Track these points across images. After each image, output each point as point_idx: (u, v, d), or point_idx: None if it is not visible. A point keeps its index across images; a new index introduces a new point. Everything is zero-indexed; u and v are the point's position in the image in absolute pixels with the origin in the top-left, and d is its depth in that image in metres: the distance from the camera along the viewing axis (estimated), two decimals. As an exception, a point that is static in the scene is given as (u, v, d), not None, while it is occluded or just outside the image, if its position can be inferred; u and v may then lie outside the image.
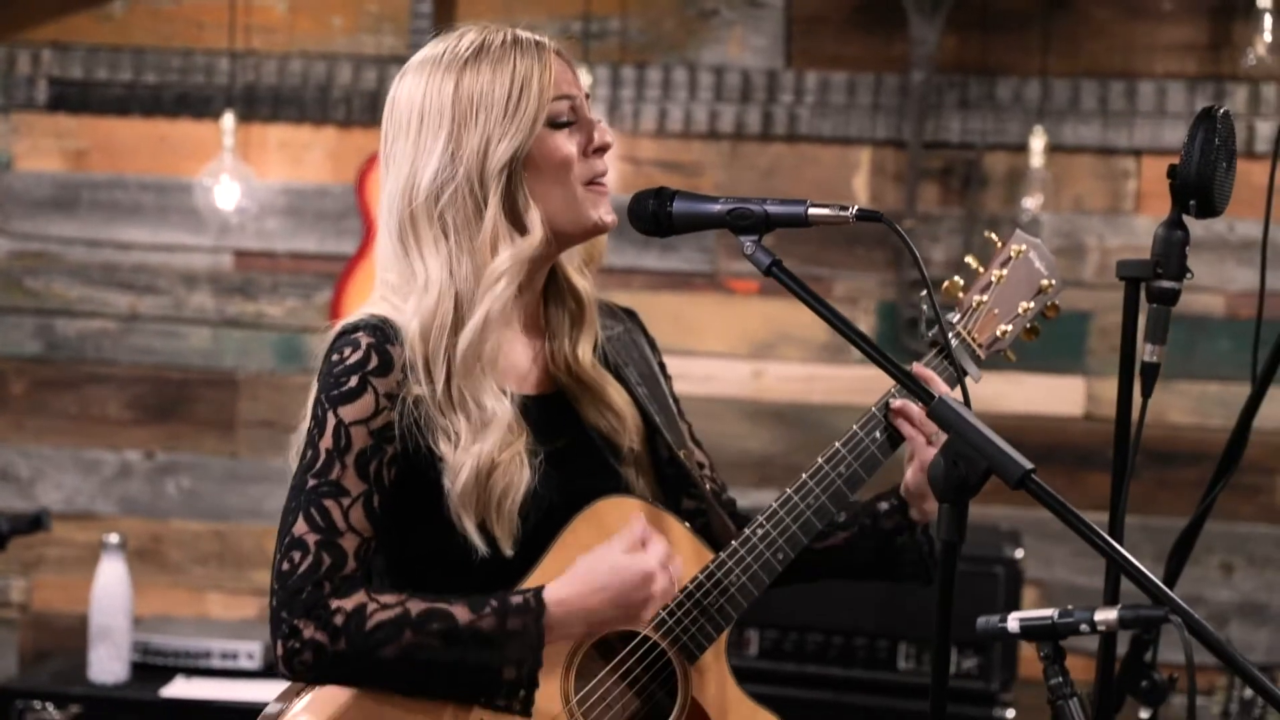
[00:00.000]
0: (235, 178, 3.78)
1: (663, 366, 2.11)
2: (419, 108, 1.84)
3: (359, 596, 1.76)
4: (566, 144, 1.86)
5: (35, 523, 3.00)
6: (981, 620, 1.53)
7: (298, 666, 1.76)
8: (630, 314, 2.11)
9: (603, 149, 1.89)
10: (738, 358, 3.82)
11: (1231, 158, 1.90)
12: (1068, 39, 3.67)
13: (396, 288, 1.86)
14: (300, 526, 1.76)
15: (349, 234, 3.88)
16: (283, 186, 3.92)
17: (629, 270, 3.80)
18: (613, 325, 2.05)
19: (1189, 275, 1.93)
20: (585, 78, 3.72)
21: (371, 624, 1.74)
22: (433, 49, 1.88)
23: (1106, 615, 1.43)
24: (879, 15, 3.71)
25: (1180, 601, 1.48)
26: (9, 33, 3.98)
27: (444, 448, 1.80)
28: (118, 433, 4.02)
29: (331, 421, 1.78)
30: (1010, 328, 2.02)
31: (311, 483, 1.77)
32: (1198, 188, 1.87)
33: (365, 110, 3.85)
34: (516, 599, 1.78)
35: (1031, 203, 3.63)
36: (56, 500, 4.02)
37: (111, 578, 3.41)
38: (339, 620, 1.74)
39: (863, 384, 3.56)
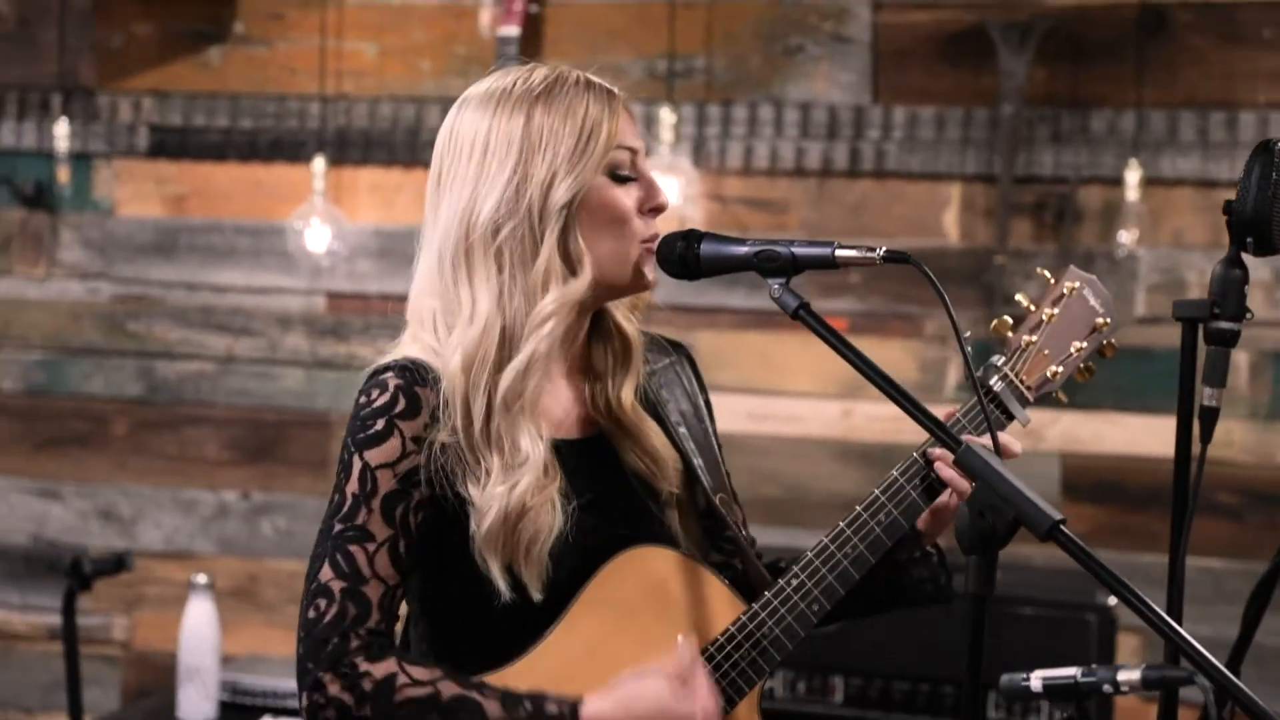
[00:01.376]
0: (326, 221, 3.82)
1: (709, 405, 2.06)
2: (484, 136, 1.81)
3: (390, 664, 1.73)
4: (624, 197, 1.84)
5: (118, 563, 3.04)
6: (1005, 678, 1.47)
7: None
8: (679, 347, 2.08)
9: (658, 209, 1.87)
10: (826, 397, 3.77)
11: (1292, 192, 1.82)
12: (1164, 68, 3.57)
13: (437, 319, 1.83)
14: (326, 573, 1.75)
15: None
16: (374, 229, 3.96)
17: (715, 309, 3.77)
18: (659, 359, 2.01)
19: (1249, 315, 1.85)
20: (669, 116, 3.71)
21: (400, 698, 1.72)
22: (502, 80, 1.86)
23: (1130, 675, 1.36)
24: (967, 48, 3.65)
25: (1209, 657, 1.41)
26: (111, 81, 4.08)
27: (472, 490, 1.78)
28: (215, 473, 4.08)
29: (357, 465, 1.77)
30: (1061, 369, 1.95)
31: (338, 527, 1.76)
32: (1254, 224, 1.80)
33: (453, 152, 3.86)
34: (552, 707, 1.74)
35: (1128, 237, 3.53)
36: (156, 539, 4.09)
37: (200, 618, 3.44)
38: (367, 685, 1.72)
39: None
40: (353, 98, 3.95)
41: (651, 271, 1.87)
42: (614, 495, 1.89)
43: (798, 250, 1.71)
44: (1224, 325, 1.84)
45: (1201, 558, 3.57)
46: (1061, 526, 1.50)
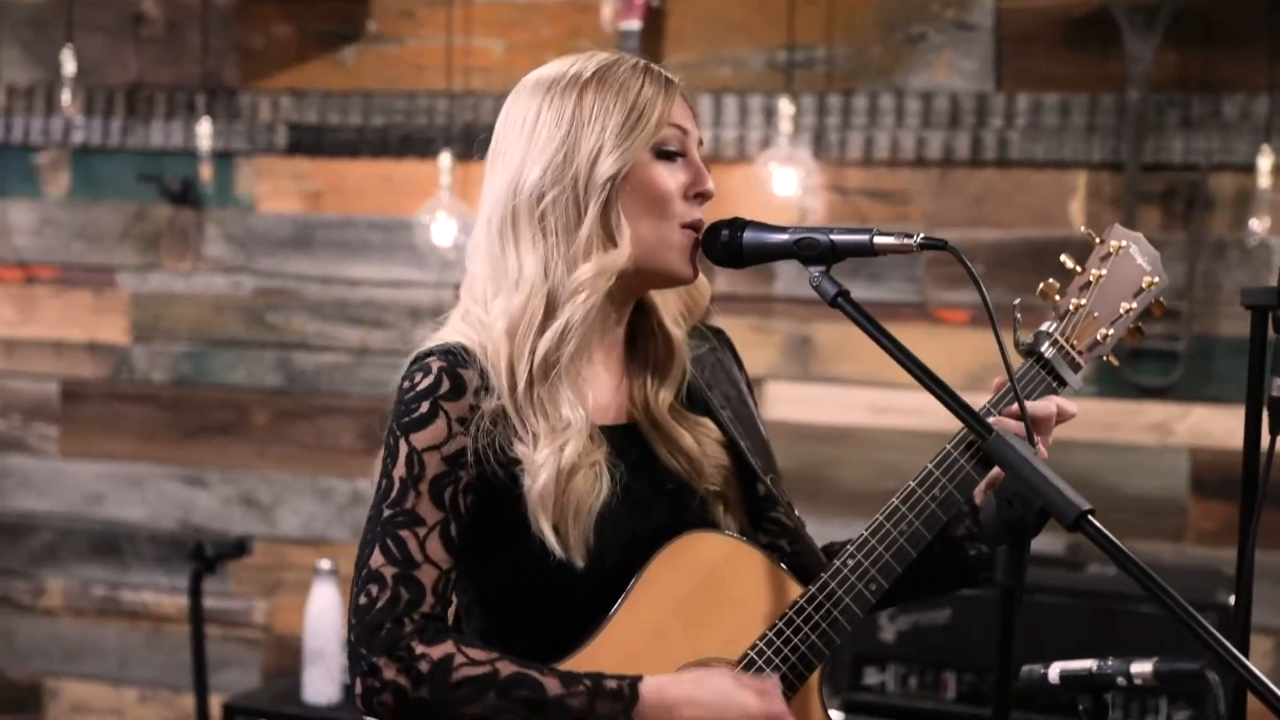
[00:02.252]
0: (451, 215, 3.90)
1: (750, 388, 2.05)
2: (536, 112, 1.85)
3: (446, 646, 1.74)
4: (669, 177, 1.85)
5: (239, 548, 3.15)
6: (1025, 669, 1.45)
7: (377, 707, 1.74)
8: (718, 333, 2.06)
9: (704, 195, 1.87)
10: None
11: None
12: (1299, 50, 3.44)
13: (487, 286, 1.87)
14: (377, 559, 1.75)
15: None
16: (500, 222, 4.01)
17: (834, 301, 3.74)
18: (699, 346, 2.00)
19: (1320, 302, 1.79)
20: (788, 107, 3.69)
21: (457, 678, 1.72)
22: (559, 66, 1.89)
23: (1142, 668, 1.33)
24: (1093, 33, 3.56)
25: (1236, 653, 1.37)
26: (252, 81, 4.21)
27: (522, 451, 1.79)
28: (349, 461, 4.18)
29: (404, 449, 1.78)
30: (1112, 331, 1.88)
31: (387, 513, 1.77)
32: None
33: (577, 146, 3.91)
34: (611, 684, 1.74)
35: (1260, 225, 3.42)
36: (294, 525, 4.22)
37: (324, 602, 3.55)
38: (424, 667, 1.72)
39: (1078, 416, 3.41)
40: (479, 93, 4.02)
41: (692, 263, 1.86)
42: (647, 482, 1.89)
43: (836, 237, 1.70)
44: (1293, 313, 1.78)
45: (1339, 557, 3.45)
46: (1089, 516, 1.46)
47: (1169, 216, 3.56)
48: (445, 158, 3.91)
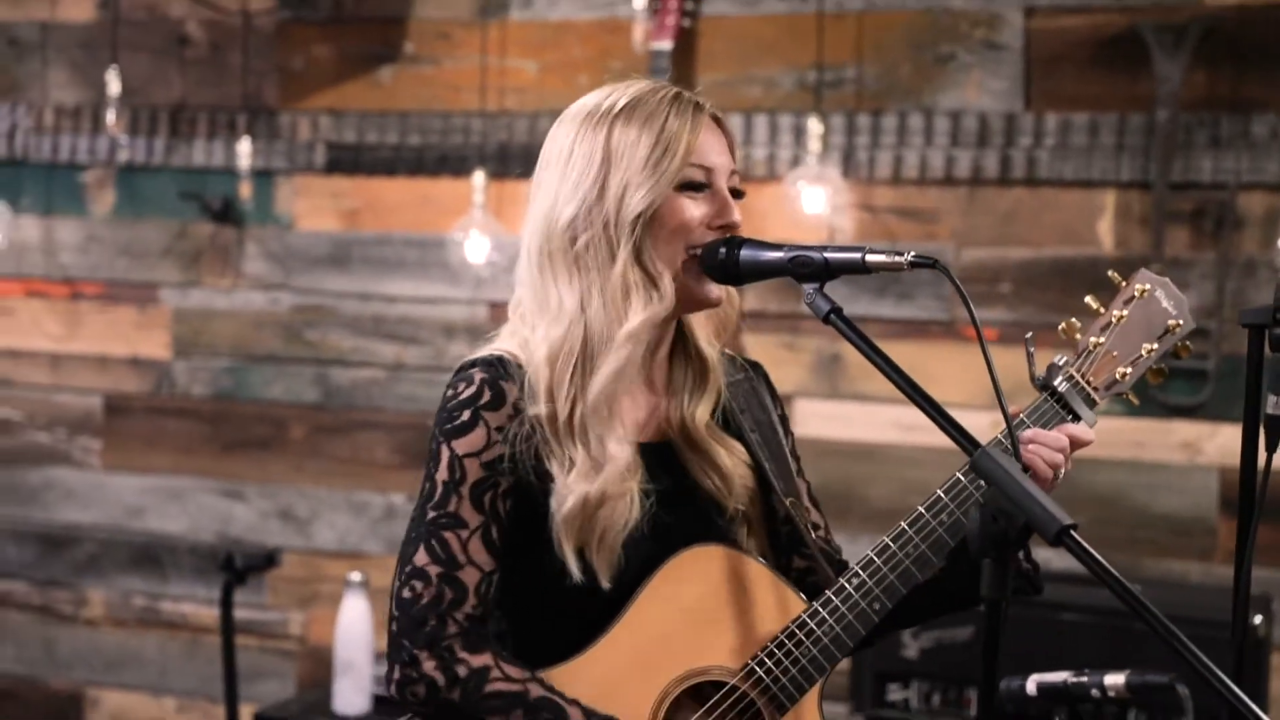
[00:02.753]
0: (485, 233, 3.95)
1: (783, 419, 2.09)
2: (571, 144, 1.92)
3: (486, 658, 1.81)
4: (690, 208, 1.89)
5: (268, 560, 3.20)
6: (1004, 682, 1.46)
7: (409, 696, 1.81)
8: (755, 366, 2.11)
9: (728, 226, 1.89)
10: (976, 407, 3.71)
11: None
12: (1329, 69, 3.44)
13: (530, 312, 1.92)
14: (421, 557, 1.82)
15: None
16: (533, 240, 4.06)
17: (862, 319, 3.76)
18: (735, 374, 2.05)
19: (1317, 321, 1.80)
20: (816, 126, 3.72)
21: (490, 689, 1.80)
22: (595, 97, 1.96)
23: (1115, 680, 1.35)
24: (1121, 52, 3.57)
25: (1214, 668, 1.38)
26: (291, 101, 4.28)
27: (556, 471, 1.84)
28: (384, 476, 4.24)
29: (446, 455, 1.84)
30: (1130, 370, 1.93)
31: (431, 514, 1.84)
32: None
33: (609, 165, 3.95)
34: None
35: (1289, 245, 3.41)
36: (330, 539, 4.27)
37: (354, 614, 3.59)
38: (461, 671, 1.80)
39: (1106, 435, 3.41)
40: (513, 113, 4.07)
41: (708, 288, 1.89)
42: (678, 500, 1.93)
43: (830, 255, 1.73)
44: (1288, 331, 1.79)
45: (1368, 578, 3.43)
46: (1071, 531, 1.48)
47: (1198, 236, 3.56)
48: (479, 176, 3.96)
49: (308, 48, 4.28)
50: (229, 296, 4.37)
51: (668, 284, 1.87)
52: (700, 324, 1.99)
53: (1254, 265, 3.51)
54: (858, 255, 1.72)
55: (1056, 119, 3.64)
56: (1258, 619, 3.13)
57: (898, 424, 3.77)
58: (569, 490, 1.83)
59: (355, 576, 3.61)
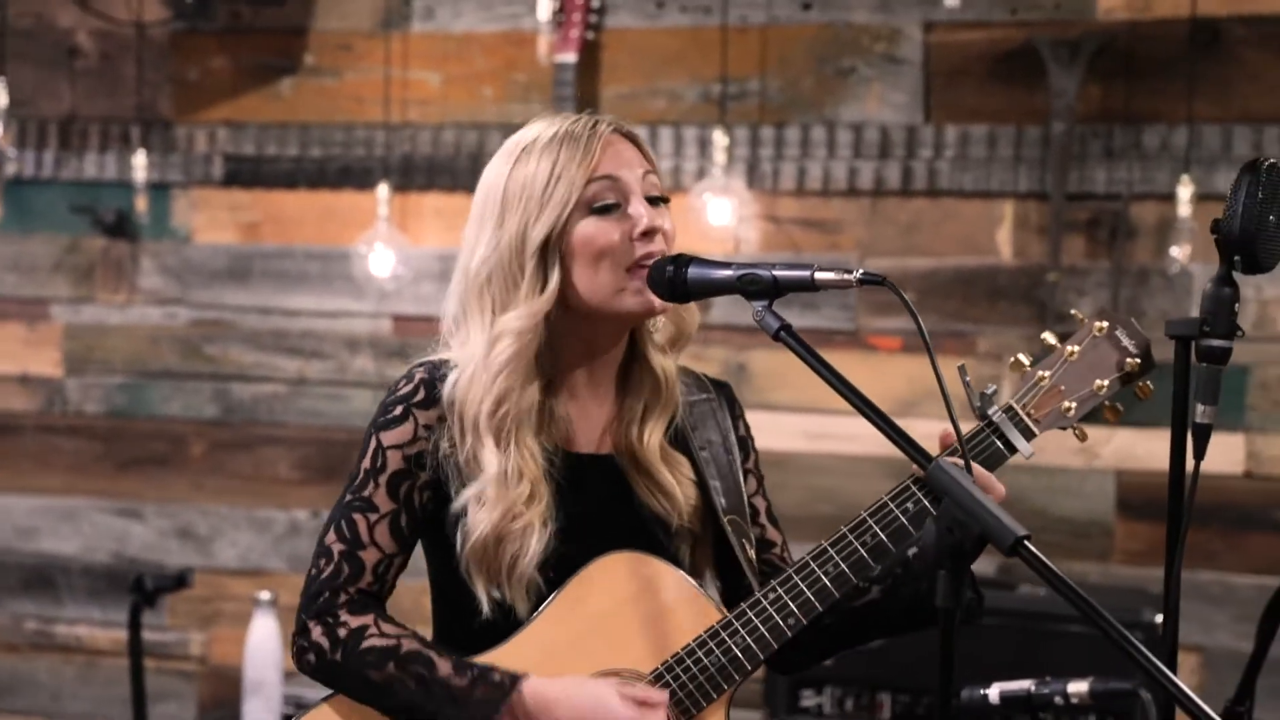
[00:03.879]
0: (390, 245, 3.92)
1: (743, 441, 2.10)
2: (484, 192, 1.98)
3: (366, 618, 1.90)
4: (605, 231, 1.91)
5: (179, 581, 3.15)
6: (965, 691, 1.50)
7: (303, 664, 1.93)
8: (721, 386, 2.12)
9: (650, 232, 1.91)
10: (881, 416, 3.78)
11: (1282, 210, 1.83)
12: (1217, 83, 3.55)
13: (454, 359, 1.97)
14: (330, 536, 1.93)
15: (499, 298, 3.98)
16: (438, 253, 4.05)
17: (769, 329, 3.80)
18: (697, 394, 2.07)
19: (1240, 333, 1.86)
20: (722, 139, 3.75)
21: (365, 645, 1.88)
22: (515, 136, 2.00)
23: (1078, 688, 1.39)
24: (1018, 67, 3.66)
25: (1170, 675, 1.43)
26: (188, 113, 4.22)
27: (469, 500, 1.90)
28: (287, 492, 4.19)
29: (373, 444, 1.93)
30: (1076, 404, 1.93)
31: (348, 498, 1.93)
32: (1242, 243, 1.81)
33: (513, 177, 3.95)
34: (497, 675, 1.86)
35: (1180, 253, 3.52)
36: (231, 557, 4.21)
37: (263, 633, 3.55)
38: (342, 633, 1.89)
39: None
40: (417, 125, 4.05)
41: (639, 301, 1.90)
42: (618, 516, 1.96)
43: (779, 273, 1.76)
44: (1215, 343, 1.85)
45: (1259, 575, 3.54)
46: (1025, 542, 1.52)
47: (1093, 245, 3.65)
48: (383, 189, 3.94)
49: (204, 59, 4.22)
50: (123, 312, 4.29)
51: (553, 285, 1.90)
52: (654, 337, 2.01)
53: (1147, 273, 3.61)
54: (806, 273, 1.74)
55: (956, 131, 3.71)
56: (1158, 618, 3.22)
57: (805, 433, 3.82)
58: (470, 529, 1.89)
59: (264, 595, 3.57)
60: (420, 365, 1.98)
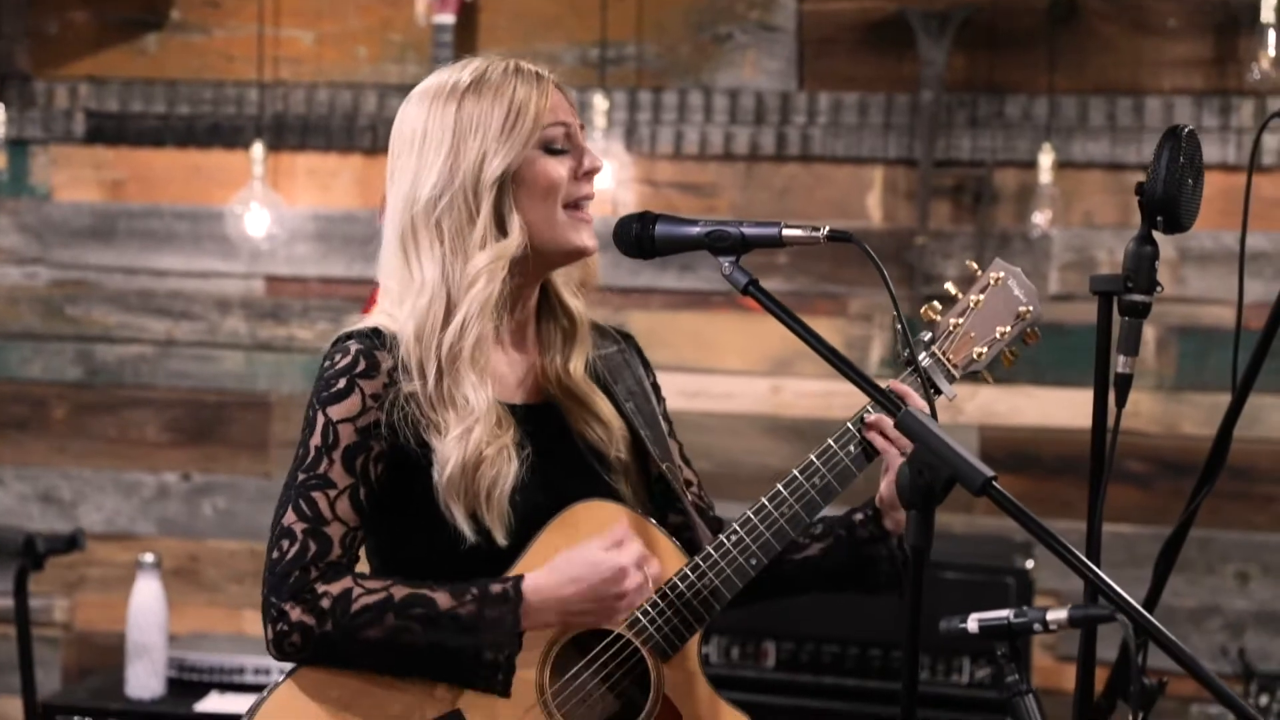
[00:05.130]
0: (265, 205, 3.89)
1: (656, 387, 2.19)
2: (423, 127, 1.98)
3: (345, 582, 1.88)
4: (557, 168, 1.98)
5: (71, 543, 3.10)
6: (943, 623, 1.60)
7: (287, 649, 1.87)
8: (626, 336, 2.20)
9: (592, 172, 2.01)
10: (756, 374, 3.90)
11: (1199, 175, 1.97)
12: (1075, 56, 3.73)
13: (396, 295, 1.98)
14: (289, 517, 1.89)
15: (376, 258, 3.97)
16: (311, 213, 4.03)
17: (648, 290, 3.89)
18: (607, 345, 2.14)
19: (1159, 289, 1.99)
20: (601, 102, 3.81)
21: (357, 607, 1.86)
22: (439, 77, 2.02)
23: (1058, 615, 1.50)
24: (889, 36, 3.79)
25: (1132, 602, 1.54)
26: (47, 68, 4.12)
27: (434, 440, 1.91)
28: (155, 455, 4.14)
29: (321, 420, 1.91)
30: (986, 349, 2.09)
31: (301, 477, 1.91)
32: (1164, 205, 1.94)
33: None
34: (496, 588, 1.88)
35: (1041, 218, 3.69)
36: (97, 521, 4.14)
37: (147, 596, 3.52)
38: (325, 604, 1.86)
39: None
40: (290, 84, 4.02)
41: (589, 239, 2.00)
42: (565, 455, 2.02)
43: (747, 230, 1.83)
44: (1137, 298, 1.98)
45: (1113, 524, 3.72)
46: (994, 483, 1.62)
47: (958, 209, 3.81)
48: (258, 148, 3.90)
49: (63, 12, 4.11)
50: (-21, 271, 4.18)
51: (516, 226, 1.95)
52: (563, 279, 2.07)
53: (1009, 237, 3.78)
54: (774, 230, 1.82)
55: (828, 98, 3.83)
56: (1029, 564, 3.39)
57: (682, 391, 3.91)
58: (446, 456, 1.90)
59: (148, 558, 3.53)
60: (349, 337, 1.96)
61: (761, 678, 3.44)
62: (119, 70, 4.09)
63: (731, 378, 3.90)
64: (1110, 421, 2.01)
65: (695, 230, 1.86)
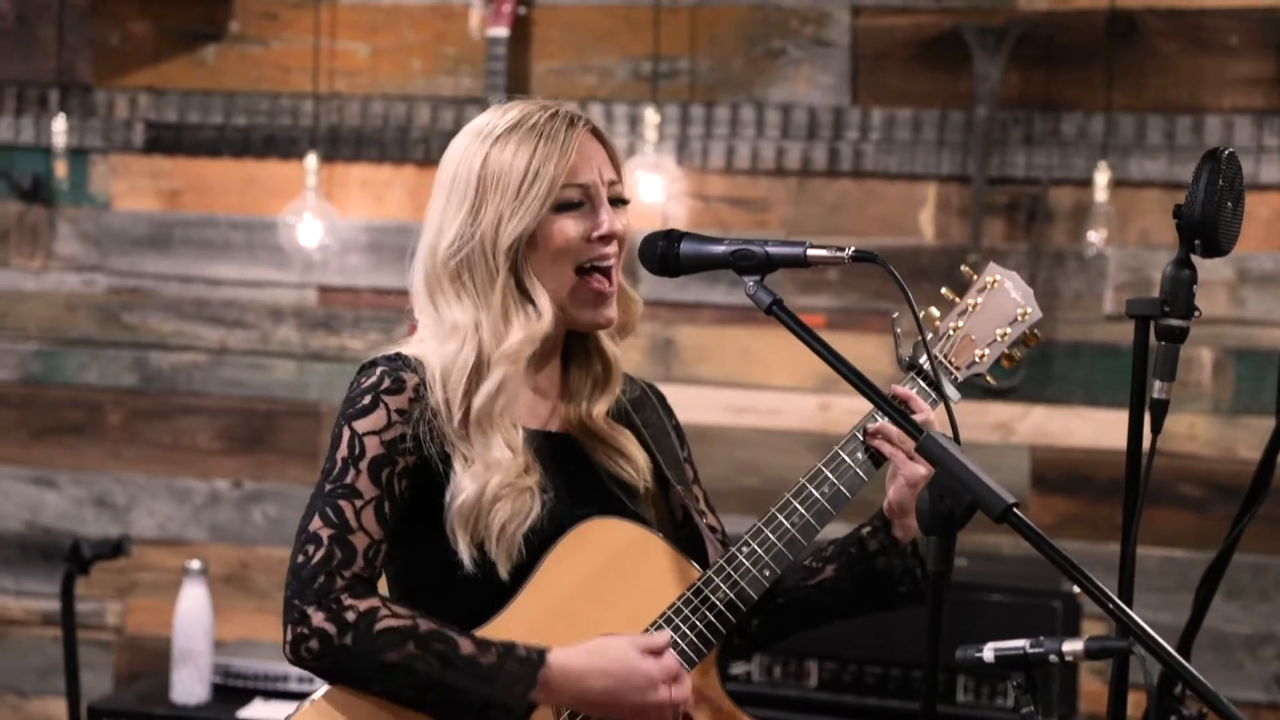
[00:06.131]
0: (318, 216, 3.92)
1: (678, 431, 2.18)
2: (454, 171, 1.98)
3: (373, 600, 1.87)
4: (570, 228, 1.96)
5: (116, 548, 3.14)
6: (960, 650, 1.57)
7: (304, 653, 1.85)
8: (650, 387, 2.19)
9: (608, 236, 1.97)
10: (804, 391, 3.87)
11: (1239, 198, 1.93)
12: (1133, 73, 3.68)
13: (425, 329, 2.00)
14: (315, 523, 1.89)
15: (427, 270, 3.99)
16: (364, 224, 4.05)
17: (696, 305, 3.87)
18: (633, 390, 2.14)
19: (1197, 313, 1.96)
20: (653, 116, 3.80)
21: (380, 627, 1.84)
22: (482, 118, 2.02)
23: (1074, 646, 1.47)
24: (943, 52, 3.75)
25: (1153, 634, 1.51)
26: (109, 79, 4.17)
27: (456, 462, 1.91)
28: (207, 462, 4.17)
29: (347, 434, 1.92)
30: (987, 351, 2.10)
31: (328, 487, 1.90)
32: (1202, 228, 1.90)
33: (443, 150, 3.94)
34: (521, 651, 1.86)
35: (1097, 237, 3.64)
36: (149, 527, 4.18)
37: (193, 602, 3.54)
38: (350, 616, 1.84)
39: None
40: (345, 96, 4.05)
41: (601, 311, 1.97)
42: (584, 486, 2.01)
43: (772, 249, 1.82)
44: (1174, 323, 1.94)
45: (1165, 548, 3.69)
46: (1015, 510, 1.59)
47: (1012, 228, 3.77)
48: (311, 159, 3.93)
49: (125, 23, 4.16)
50: (39, 278, 4.23)
51: (546, 303, 1.95)
52: None
53: (1063, 256, 3.73)
54: (799, 250, 1.81)
55: (881, 114, 3.80)
56: (1076, 588, 3.34)
57: (730, 407, 3.89)
58: (462, 487, 1.89)
59: (195, 564, 3.56)
60: (373, 364, 1.97)
61: (804, 697, 3.41)
62: (178, 81, 4.14)
63: (779, 394, 3.88)
64: (1146, 447, 1.97)
65: (720, 249, 1.85)
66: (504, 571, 1.90)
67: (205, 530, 4.16)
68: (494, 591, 1.91)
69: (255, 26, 4.10)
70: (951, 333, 2.09)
